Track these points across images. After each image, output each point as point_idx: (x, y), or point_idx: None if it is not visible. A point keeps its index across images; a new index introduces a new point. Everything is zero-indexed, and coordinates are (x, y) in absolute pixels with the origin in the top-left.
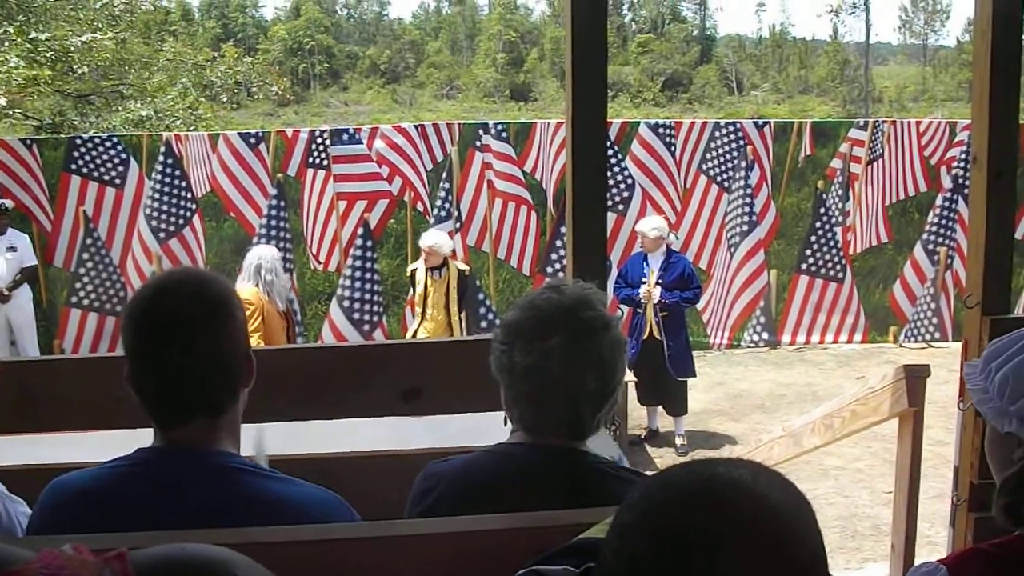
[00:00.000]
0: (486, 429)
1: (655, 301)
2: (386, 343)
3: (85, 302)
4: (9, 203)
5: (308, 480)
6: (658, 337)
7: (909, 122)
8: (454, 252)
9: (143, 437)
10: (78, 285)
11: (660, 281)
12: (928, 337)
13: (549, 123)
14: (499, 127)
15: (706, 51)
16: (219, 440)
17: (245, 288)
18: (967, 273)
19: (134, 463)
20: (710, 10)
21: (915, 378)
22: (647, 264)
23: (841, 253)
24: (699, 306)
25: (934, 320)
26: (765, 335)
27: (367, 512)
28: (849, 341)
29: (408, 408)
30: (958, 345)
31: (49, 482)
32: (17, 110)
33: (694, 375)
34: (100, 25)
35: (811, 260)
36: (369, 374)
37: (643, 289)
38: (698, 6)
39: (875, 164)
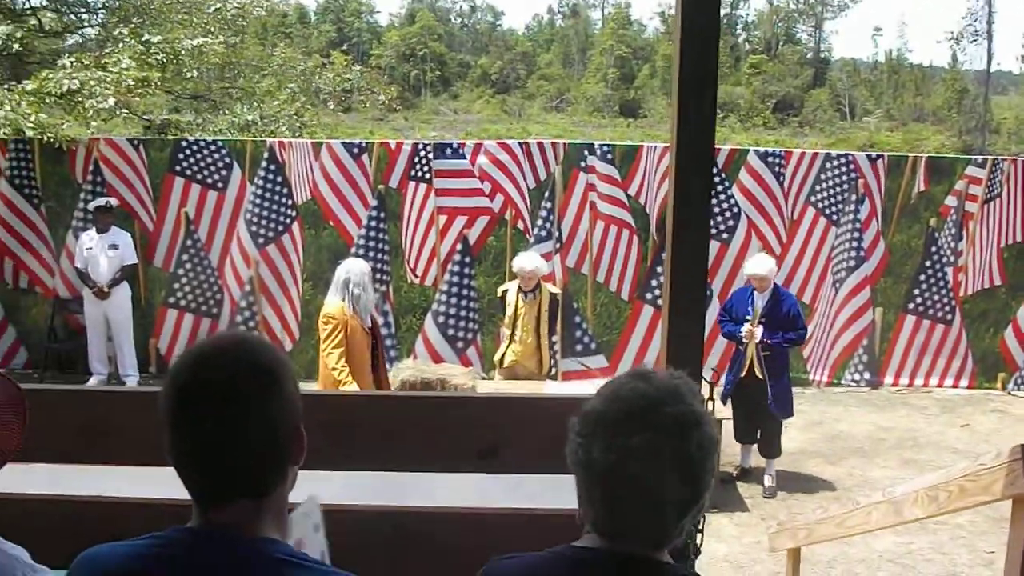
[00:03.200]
0: (563, 489)
1: (757, 340)
2: (464, 395)
3: (182, 303)
4: (114, 201)
5: (381, 532)
6: (759, 376)
7: None
8: (549, 274)
9: None
10: (176, 286)
11: (764, 320)
12: None
13: (656, 146)
14: (605, 148)
15: (820, 74)
16: (262, 524)
17: (331, 302)
18: None
19: (168, 544)
20: (825, 33)
21: None
22: (752, 300)
23: (951, 294)
24: None
25: None
26: (867, 375)
27: (438, 570)
28: (955, 386)
29: (483, 465)
30: None
31: (110, 515)
32: (126, 110)
33: (792, 415)
34: (212, 29)
35: (919, 300)
36: (445, 427)
37: (745, 328)
38: (813, 28)
39: (992, 203)
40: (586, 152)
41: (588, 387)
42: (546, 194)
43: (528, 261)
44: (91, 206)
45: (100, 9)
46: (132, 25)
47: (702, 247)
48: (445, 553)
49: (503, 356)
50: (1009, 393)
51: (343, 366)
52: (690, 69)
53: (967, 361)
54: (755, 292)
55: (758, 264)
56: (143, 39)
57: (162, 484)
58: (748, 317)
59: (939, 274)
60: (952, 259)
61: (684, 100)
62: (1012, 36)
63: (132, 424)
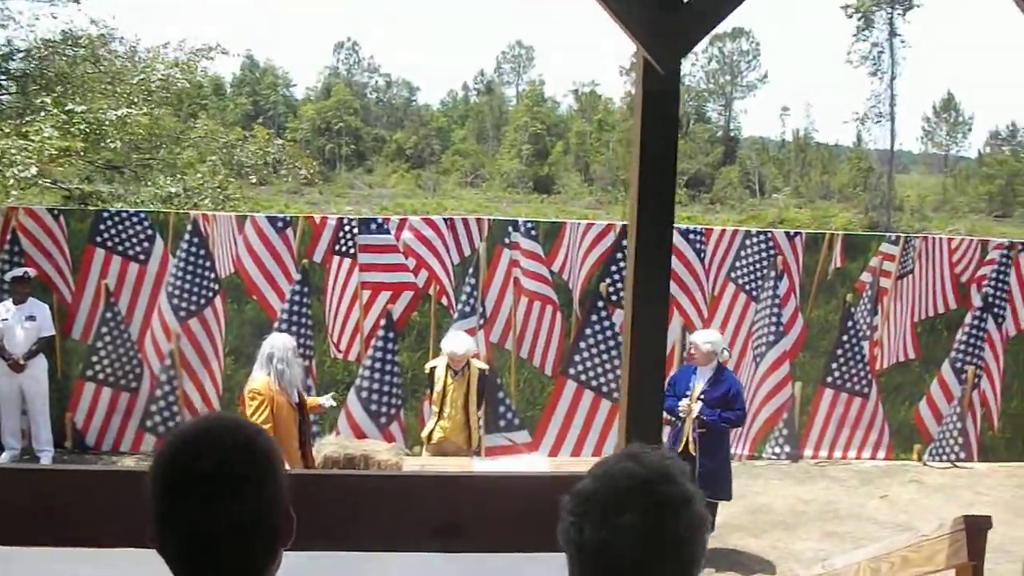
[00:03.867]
0: (522, 571)
1: (694, 416)
2: (419, 474)
3: (100, 376)
4: (31, 272)
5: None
6: (692, 453)
7: (941, 238)
8: (475, 351)
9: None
10: (95, 358)
11: (703, 396)
12: (953, 457)
13: (579, 223)
14: (528, 225)
15: (730, 152)
16: None
17: (257, 377)
18: None
19: None
20: (735, 112)
21: (976, 530)
22: (695, 377)
23: (867, 368)
24: None
25: (960, 440)
26: (787, 448)
27: None
28: (873, 457)
29: (440, 545)
30: (984, 466)
31: None
32: (46, 179)
33: (727, 498)
34: (136, 100)
35: (837, 373)
36: (400, 506)
37: (683, 403)
38: (723, 107)
39: (905, 279)
40: (510, 228)
41: (515, 462)
42: (470, 270)
43: (458, 345)
44: (8, 276)
45: (20, 77)
46: (55, 94)
47: (661, 327)
48: None
49: (431, 432)
50: (924, 464)
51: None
52: (652, 152)
53: (884, 433)
54: (698, 368)
55: (702, 335)
56: (66, 108)
57: (110, 566)
58: (688, 392)
59: (855, 348)
60: (868, 333)
61: (644, 182)
62: (912, 117)
63: (81, 503)
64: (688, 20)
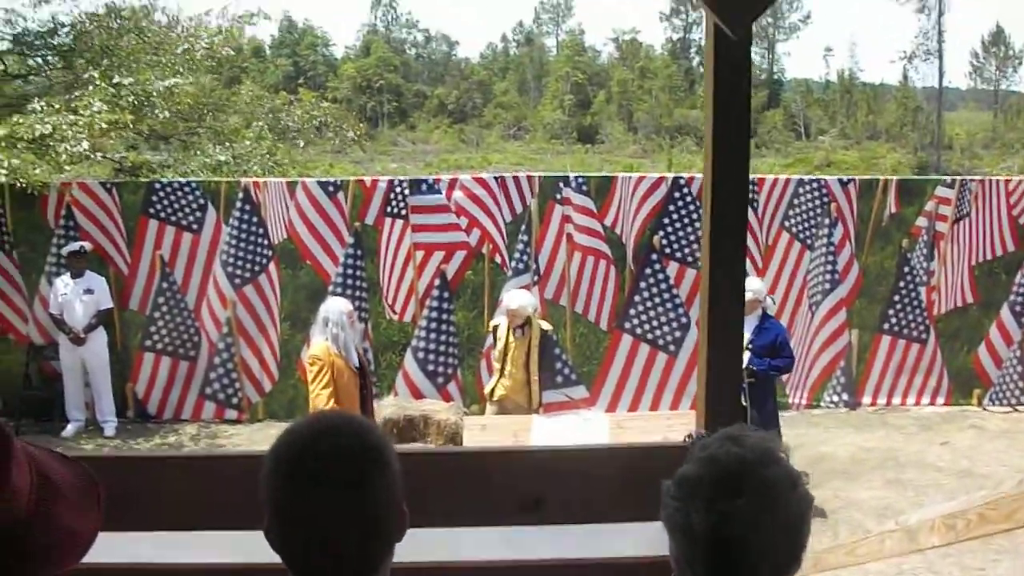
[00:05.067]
0: (605, 538)
1: (744, 366)
2: (505, 449)
3: (159, 346)
4: (88, 245)
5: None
6: (743, 404)
7: (998, 180)
8: (537, 309)
9: (243, 540)
10: (153, 329)
11: (751, 346)
12: (1014, 401)
13: (631, 177)
14: (579, 180)
15: (774, 96)
16: None
17: (316, 343)
18: None
19: None
20: (777, 54)
21: None
22: None
23: (925, 314)
24: None
25: (1020, 383)
26: (845, 396)
27: None
28: (932, 403)
29: (530, 518)
30: None
31: None
32: (100, 153)
33: None
34: (181, 69)
35: (894, 320)
36: (488, 481)
37: None
38: (765, 50)
39: (962, 223)
40: (561, 184)
41: (574, 419)
42: (523, 227)
43: (514, 299)
44: (64, 251)
45: (67, 52)
46: (101, 68)
47: (739, 280)
48: None
49: (493, 389)
50: (984, 409)
51: (332, 407)
52: (723, 101)
53: (943, 379)
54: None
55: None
56: (114, 81)
57: (188, 549)
58: None
59: (912, 294)
60: (925, 279)
61: (718, 134)
62: (961, 55)
63: (165, 491)
64: None
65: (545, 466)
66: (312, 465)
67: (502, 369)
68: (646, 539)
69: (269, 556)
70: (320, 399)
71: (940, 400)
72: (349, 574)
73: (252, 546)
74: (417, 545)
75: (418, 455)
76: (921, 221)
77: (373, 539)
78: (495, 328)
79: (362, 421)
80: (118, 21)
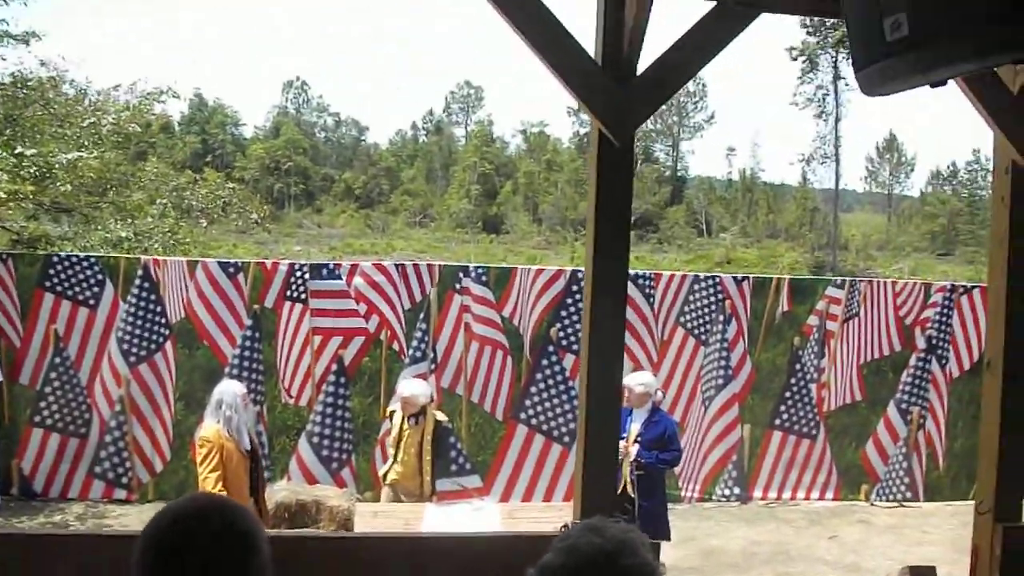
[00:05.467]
0: None
1: (631, 459)
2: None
3: (48, 422)
4: None
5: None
6: (631, 495)
7: (886, 282)
8: (432, 399)
9: None
10: (43, 404)
11: (640, 439)
12: (900, 496)
13: (530, 269)
14: (479, 270)
15: (677, 192)
16: None
17: (207, 425)
18: (979, 477)
19: None
20: (682, 152)
21: None
22: (631, 419)
23: (815, 410)
24: None
25: (906, 479)
26: (737, 490)
27: None
28: (821, 498)
29: None
30: (930, 505)
31: None
32: None
33: (667, 538)
34: (86, 143)
35: (785, 416)
36: (375, 567)
37: (621, 444)
38: (670, 148)
39: (851, 322)
40: (461, 274)
41: (466, 508)
42: (421, 315)
43: (407, 387)
44: None
45: None
46: (4, 137)
47: (616, 371)
48: None
49: (386, 473)
50: (872, 503)
51: (220, 491)
52: (607, 201)
53: (832, 474)
54: (634, 411)
55: (635, 377)
56: (15, 151)
57: None
58: (624, 435)
59: (803, 391)
60: (815, 376)
61: (600, 231)
62: (856, 157)
63: (44, 570)
64: (641, 93)
65: (427, 551)
66: (182, 543)
67: (396, 455)
68: None
69: None
70: (208, 482)
71: (829, 495)
72: None
73: None
74: None
75: (305, 538)
76: (812, 320)
77: None
78: (391, 413)
79: (234, 506)
80: (24, 91)
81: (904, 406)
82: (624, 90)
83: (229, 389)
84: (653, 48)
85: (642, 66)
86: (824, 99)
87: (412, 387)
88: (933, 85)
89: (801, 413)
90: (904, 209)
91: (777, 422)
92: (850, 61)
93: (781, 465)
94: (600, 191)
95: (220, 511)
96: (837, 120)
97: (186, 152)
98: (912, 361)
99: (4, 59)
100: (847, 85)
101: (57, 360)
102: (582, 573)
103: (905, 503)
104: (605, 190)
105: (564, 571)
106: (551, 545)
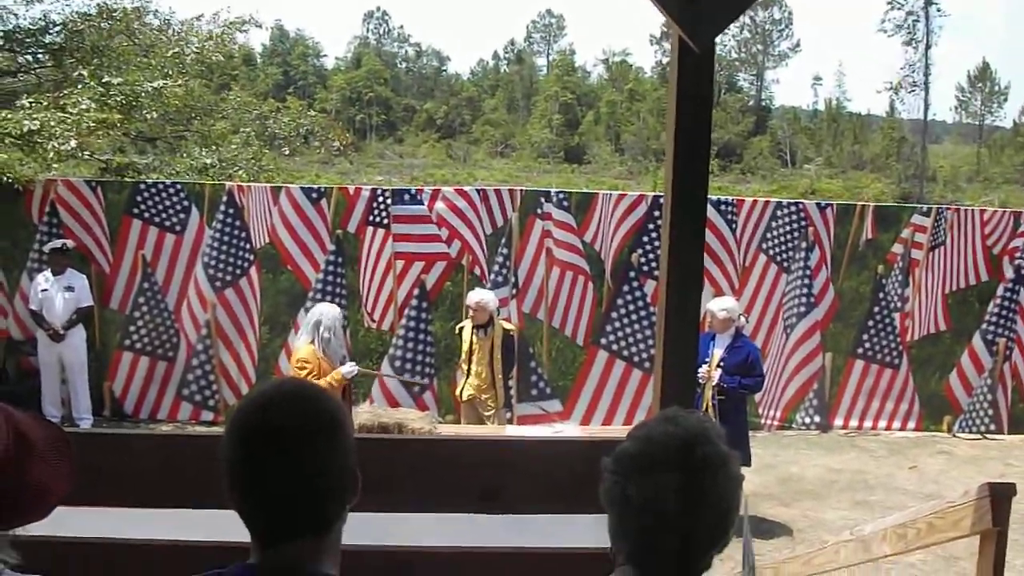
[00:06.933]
0: (565, 529)
1: (714, 383)
2: (464, 439)
3: (138, 346)
4: (70, 243)
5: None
6: (713, 419)
7: (973, 210)
8: (500, 312)
9: (210, 518)
10: (132, 328)
11: (722, 364)
12: (983, 429)
13: (611, 194)
14: (561, 195)
15: (761, 122)
16: (322, 559)
17: (302, 346)
18: None
19: None
20: (766, 81)
21: (1000, 497)
22: (714, 344)
23: (898, 339)
24: None
25: (990, 412)
26: (817, 418)
27: None
28: (902, 428)
29: (484, 507)
30: (1015, 437)
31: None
32: (86, 152)
33: (747, 464)
34: (170, 72)
35: (867, 345)
36: (446, 470)
37: (703, 369)
38: (755, 77)
39: (937, 251)
40: (542, 199)
41: (547, 431)
42: (503, 240)
43: (474, 295)
44: (47, 248)
45: (57, 50)
46: (92, 67)
47: (695, 297)
48: None
49: (462, 389)
50: (954, 435)
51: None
52: (687, 125)
53: (914, 404)
54: (716, 336)
55: (718, 303)
56: (103, 80)
57: (153, 525)
58: (707, 360)
59: (887, 320)
60: (899, 305)
61: (678, 159)
62: (947, 86)
63: (119, 467)
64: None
65: (505, 456)
66: (264, 425)
67: (468, 369)
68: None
69: (235, 535)
70: None
71: (911, 425)
72: (304, 532)
73: (221, 523)
74: (381, 528)
75: (386, 440)
76: (897, 248)
77: (326, 498)
78: (460, 330)
79: (320, 388)
80: (109, 22)
81: (990, 337)
82: None
83: (329, 312)
84: None
85: None
86: (914, 25)
87: (479, 294)
88: None
89: (884, 342)
90: (996, 140)
91: (859, 351)
92: None
93: (862, 394)
94: (680, 101)
95: (306, 393)
96: (927, 47)
97: (268, 83)
98: (999, 291)
99: None
100: (939, 11)
101: (145, 285)
102: (657, 460)
103: (988, 435)
104: (683, 100)
105: (640, 458)
106: (628, 435)
